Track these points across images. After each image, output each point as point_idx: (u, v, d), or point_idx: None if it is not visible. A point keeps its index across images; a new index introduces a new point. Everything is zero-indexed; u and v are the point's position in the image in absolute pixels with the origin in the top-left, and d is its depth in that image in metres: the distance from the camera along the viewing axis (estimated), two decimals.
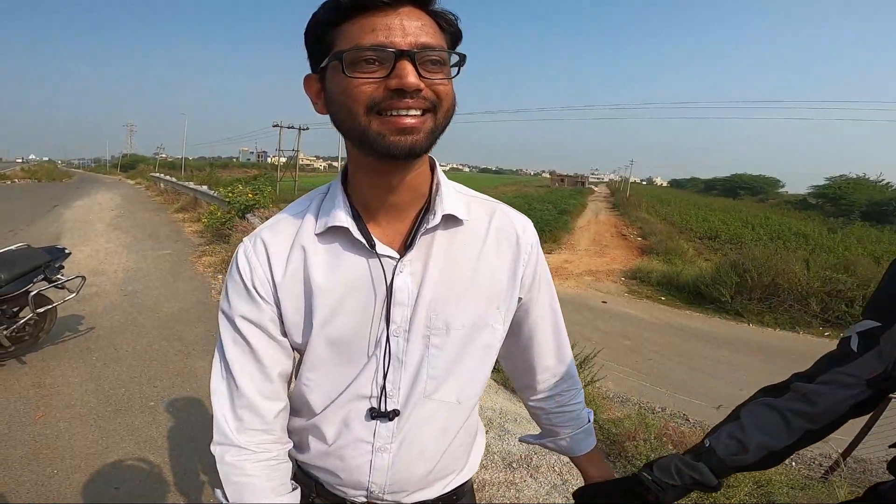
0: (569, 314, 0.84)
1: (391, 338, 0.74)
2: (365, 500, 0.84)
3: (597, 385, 4.10)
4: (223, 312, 0.77)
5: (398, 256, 0.73)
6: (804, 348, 8.02)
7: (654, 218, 26.56)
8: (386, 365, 0.75)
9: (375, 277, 0.73)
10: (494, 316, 0.79)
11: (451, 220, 0.75)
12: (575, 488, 1.02)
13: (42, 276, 3.51)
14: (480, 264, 0.77)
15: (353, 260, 0.73)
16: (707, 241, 19.97)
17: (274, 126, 36.26)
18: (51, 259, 3.60)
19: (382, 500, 0.83)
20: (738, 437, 0.93)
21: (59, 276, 3.63)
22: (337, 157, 26.94)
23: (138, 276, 6.31)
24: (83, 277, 3.87)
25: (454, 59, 0.65)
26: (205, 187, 13.40)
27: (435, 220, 0.73)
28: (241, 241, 0.79)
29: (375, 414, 0.77)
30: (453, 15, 0.67)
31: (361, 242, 0.72)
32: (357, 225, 0.72)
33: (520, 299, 0.84)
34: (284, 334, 0.77)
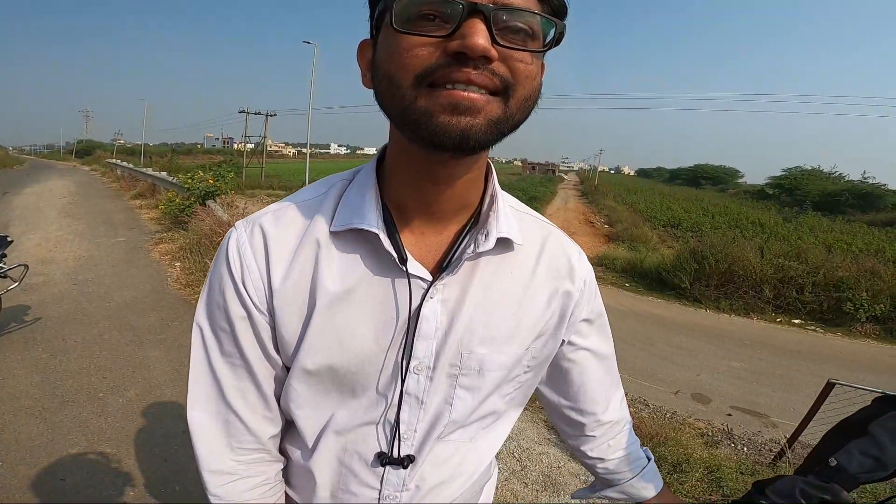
0: None
1: (410, 374, 0.61)
2: None
3: None
4: (205, 316, 0.63)
5: (431, 279, 0.59)
6: (756, 334, 8.37)
7: (621, 206, 27.10)
8: (399, 404, 0.62)
9: (400, 299, 0.59)
10: (538, 360, 0.68)
11: (501, 244, 0.61)
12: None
13: None
14: (527, 299, 0.64)
15: (375, 273, 0.59)
16: (670, 229, 20.54)
17: (240, 112, 35.48)
18: None
19: None
20: (874, 454, 0.90)
21: (0, 265, 3.47)
22: (306, 144, 26.20)
23: (90, 264, 6.07)
24: (26, 266, 3.71)
25: (549, 30, 0.48)
26: (163, 173, 12.93)
27: (488, 243, 0.59)
28: (233, 225, 0.62)
29: (385, 460, 0.64)
30: None
31: (390, 255, 0.57)
32: (388, 230, 0.58)
33: (566, 342, 0.72)
34: (278, 350, 0.63)
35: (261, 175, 29.06)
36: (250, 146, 39.10)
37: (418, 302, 0.59)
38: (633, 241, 15.83)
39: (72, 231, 8.10)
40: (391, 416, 0.63)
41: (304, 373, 0.61)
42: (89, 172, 24.66)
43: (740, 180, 72.99)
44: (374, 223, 0.57)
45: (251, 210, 7.18)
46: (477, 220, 0.61)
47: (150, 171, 14.40)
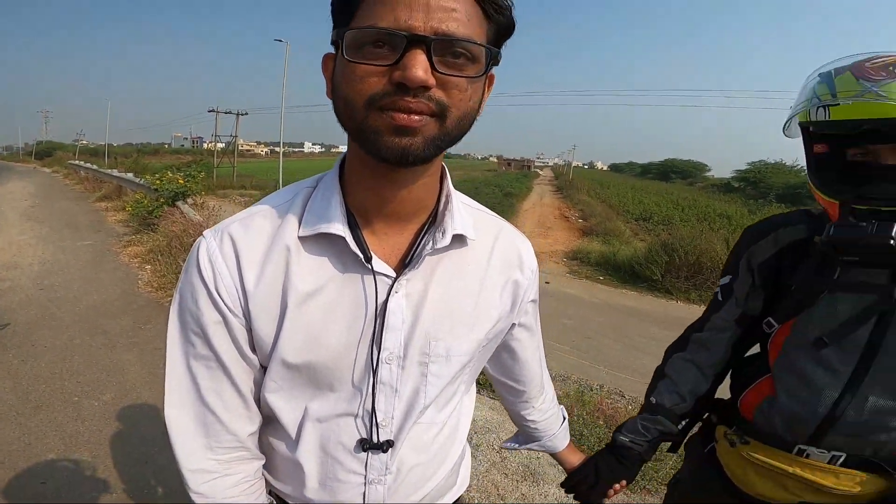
0: None
1: (382, 364, 0.66)
2: None
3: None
4: (177, 322, 0.65)
5: (395, 275, 0.64)
6: None
7: (595, 200, 27.55)
8: (374, 394, 0.67)
9: (368, 295, 0.63)
10: (493, 341, 0.76)
11: (456, 240, 0.66)
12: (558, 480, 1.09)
13: None
14: (484, 289, 0.70)
15: (342, 273, 0.63)
16: (642, 223, 20.99)
17: (210, 111, 34.66)
18: None
19: None
20: (675, 389, 1.11)
21: None
22: (279, 143, 25.77)
23: (56, 268, 5.88)
24: None
25: (490, 54, 0.53)
26: (130, 175, 12.56)
27: (444, 240, 0.64)
28: (202, 234, 0.65)
29: (367, 446, 0.69)
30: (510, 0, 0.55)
31: (356, 255, 0.62)
32: (353, 234, 0.62)
33: (515, 324, 0.81)
34: (254, 350, 0.66)
35: (232, 175, 28.47)
36: (221, 146, 38.26)
37: (384, 297, 0.63)
38: (606, 234, 16.15)
39: (35, 235, 7.80)
40: (368, 406, 0.67)
41: (282, 368, 0.64)
42: (51, 174, 23.76)
43: (708, 174, 74.92)
44: (339, 227, 0.61)
45: (223, 210, 7.07)
46: (434, 219, 0.66)
47: (115, 172, 13.99)
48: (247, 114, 34.93)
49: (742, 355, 1.11)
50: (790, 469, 0.94)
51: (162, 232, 6.62)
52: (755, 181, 43.65)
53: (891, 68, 0.74)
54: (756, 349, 1.09)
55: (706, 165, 77.53)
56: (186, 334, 0.65)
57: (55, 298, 4.79)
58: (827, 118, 0.78)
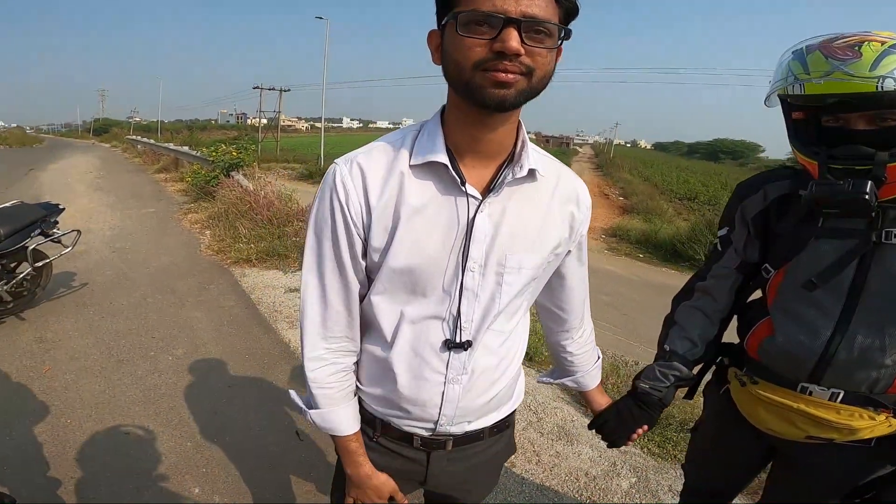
0: None
1: (467, 272, 0.80)
2: (430, 433, 0.91)
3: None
4: (314, 230, 0.82)
5: (481, 198, 0.79)
6: None
7: (636, 179, 26.81)
8: (460, 297, 0.82)
9: (460, 212, 0.79)
10: (553, 262, 0.91)
11: (529, 175, 0.81)
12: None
13: (38, 231, 3.56)
14: (549, 216, 0.85)
15: (442, 194, 0.79)
16: (686, 202, 20.38)
17: (255, 88, 35.58)
18: (46, 214, 3.66)
19: (447, 432, 0.91)
20: (685, 335, 1.22)
21: (55, 231, 3.69)
22: (320, 118, 26.01)
23: (125, 233, 6.35)
24: (78, 231, 3.94)
25: (561, 31, 0.70)
26: (185, 148, 13.17)
27: (522, 171, 0.79)
28: (334, 162, 0.82)
29: (451, 345, 0.83)
30: None
31: (454, 179, 0.78)
32: (452, 164, 0.78)
33: (569, 252, 0.95)
34: (365, 257, 0.82)
35: (276, 149, 29.18)
36: (264, 121, 39.19)
37: (473, 214, 0.79)
38: (647, 213, 15.76)
39: (103, 203, 8.37)
40: (453, 309, 0.83)
41: (390, 271, 0.80)
42: (109, 149, 25.03)
43: (761, 155, 71.36)
44: (443, 157, 0.78)
45: (272, 180, 7.36)
46: (512, 158, 0.81)
47: (171, 146, 14.65)
48: (289, 90, 35.58)
49: (745, 301, 1.21)
50: (795, 405, 1.04)
51: (220, 200, 7.00)
52: None
53: (856, 48, 0.84)
54: (758, 294, 1.18)
55: (759, 146, 73.83)
56: (320, 241, 0.82)
57: (127, 260, 5.21)
58: (802, 92, 0.88)
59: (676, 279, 9.84)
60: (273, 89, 35.22)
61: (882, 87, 0.81)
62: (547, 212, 0.85)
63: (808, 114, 0.95)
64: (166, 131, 43.43)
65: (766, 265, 1.10)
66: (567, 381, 1.18)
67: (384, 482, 0.95)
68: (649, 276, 9.82)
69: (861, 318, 0.96)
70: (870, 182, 0.85)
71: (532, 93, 0.71)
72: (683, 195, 22.13)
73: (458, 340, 0.84)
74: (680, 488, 2.01)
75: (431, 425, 0.89)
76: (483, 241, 0.80)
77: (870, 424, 0.99)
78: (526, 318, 0.97)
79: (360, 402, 0.94)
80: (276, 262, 5.19)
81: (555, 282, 1.01)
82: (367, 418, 0.94)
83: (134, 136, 25.02)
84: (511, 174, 0.80)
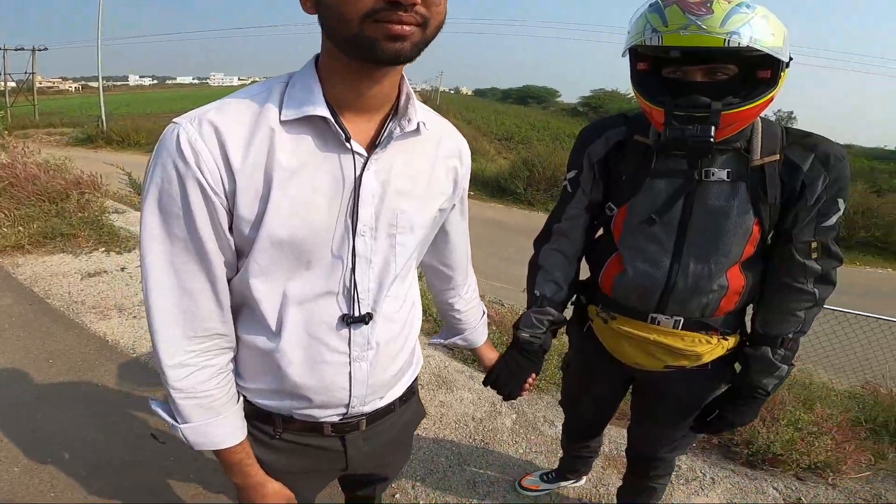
0: None
1: (358, 236, 0.72)
2: (341, 418, 0.83)
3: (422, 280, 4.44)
4: (156, 207, 0.65)
5: (367, 154, 0.71)
6: None
7: (461, 122, 28.01)
8: (354, 266, 0.73)
9: (345, 171, 0.70)
10: (440, 217, 0.86)
11: (416, 129, 0.75)
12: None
13: None
14: (435, 171, 0.80)
15: (322, 152, 0.69)
16: (504, 142, 22.11)
17: None
18: None
19: (360, 412, 0.83)
20: (552, 279, 1.25)
21: None
22: (97, 77, 21.19)
23: None
24: None
25: None
26: None
27: (411, 125, 0.73)
28: (172, 122, 0.66)
29: (350, 320, 0.75)
30: None
31: (336, 135, 0.68)
32: (334, 118, 0.68)
33: (453, 206, 0.91)
34: (233, 231, 0.69)
35: (34, 113, 23.56)
36: (12, 84, 31.04)
37: (360, 172, 0.70)
38: (474, 153, 16.61)
39: None
40: (347, 281, 0.74)
41: (268, 244, 0.68)
42: None
43: (558, 99, 79.73)
44: (323, 110, 0.67)
45: (35, 149, 6.02)
46: (396, 111, 0.74)
47: None
48: (46, 49, 28.46)
49: (592, 240, 1.30)
50: (650, 337, 1.15)
51: None
52: (596, 106, 47.88)
53: (708, 4, 0.89)
54: (601, 233, 1.28)
55: (557, 91, 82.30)
56: (166, 220, 0.66)
57: None
58: (660, 44, 0.93)
59: (503, 213, 10.76)
60: (22, 49, 27.75)
61: (729, 42, 0.87)
62: (433, 167, 0.80)
63: (650, 65, 1.01)
64: None
65: (610, 203, 1.17)
66: (458, 340, 1.16)
67: (278, 490, 0.85)
68: (480, 213, 10.46)
69: (691, 250, 1.07)
70: (712, 126, 0.94)
71: (425, 44, 0.64)
72: (501, 136, 23.89)
73: (356, 314, 0.75)
74: (553, 417, 2.27)
75: (343, 409, 0.81)
76: (371, 202, 0.72)
77: (709, 349, 1.14)
78: (416, 278, 0.92)
79: (245, 398, 0.81)
80: (62, 244, 4.22)
81: (439, 238, 0.97)
82: (261, 415, 0.82)
83: None
84: (399, 128, 0.72)
